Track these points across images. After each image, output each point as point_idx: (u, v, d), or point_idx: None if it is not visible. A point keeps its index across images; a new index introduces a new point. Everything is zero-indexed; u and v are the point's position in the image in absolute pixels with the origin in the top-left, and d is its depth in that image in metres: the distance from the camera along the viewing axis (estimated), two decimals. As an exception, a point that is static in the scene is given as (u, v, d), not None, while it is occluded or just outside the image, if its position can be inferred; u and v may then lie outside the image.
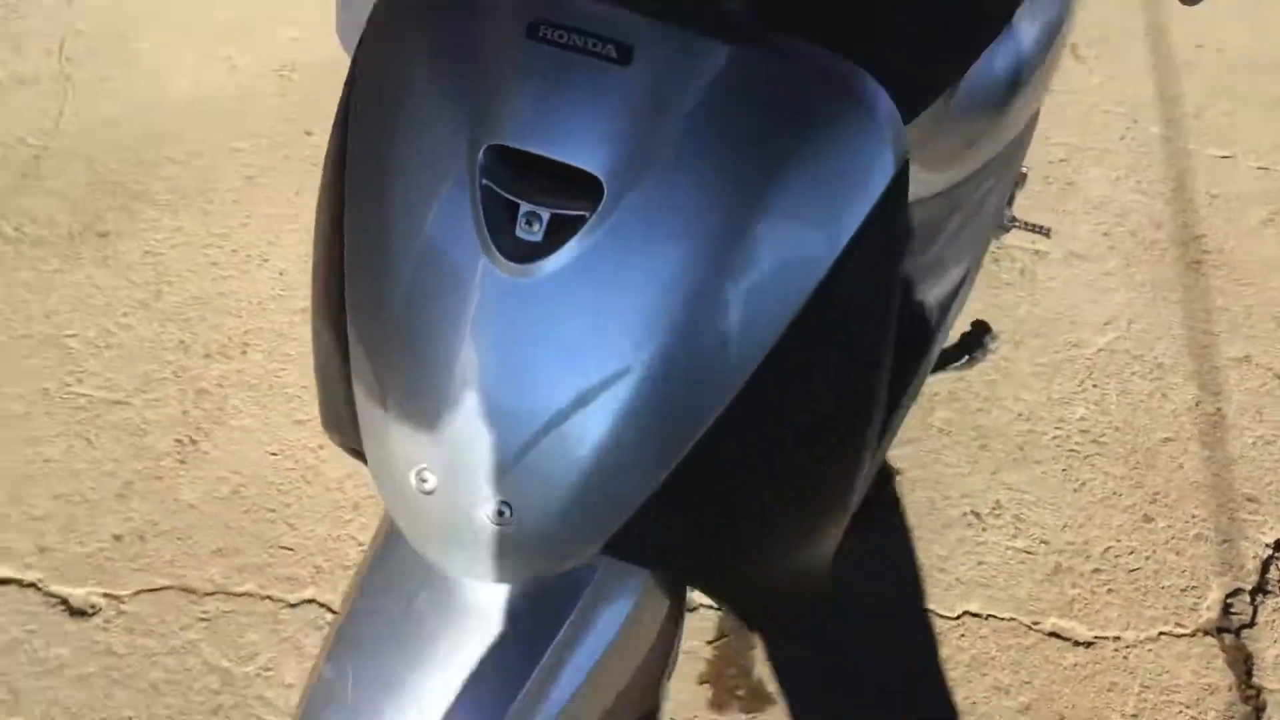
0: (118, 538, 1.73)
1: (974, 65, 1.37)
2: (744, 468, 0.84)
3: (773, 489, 0.87)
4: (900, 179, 0.81)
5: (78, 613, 1.64)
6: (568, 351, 0.78)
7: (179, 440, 1.87)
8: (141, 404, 1.92)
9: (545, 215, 0.76)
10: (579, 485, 0.80)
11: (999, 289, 2.13)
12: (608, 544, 0.85)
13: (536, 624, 0.91)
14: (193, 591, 1.68)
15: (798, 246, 0.79)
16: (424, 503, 0.85)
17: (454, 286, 0.79)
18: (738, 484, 0.85)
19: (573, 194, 0.76)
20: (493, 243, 0.76)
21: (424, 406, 0.83)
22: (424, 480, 0.84)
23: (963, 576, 1.71)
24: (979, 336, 1.88)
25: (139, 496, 1.79)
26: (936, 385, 1.95)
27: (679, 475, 0.81)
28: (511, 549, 0.85)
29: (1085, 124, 2.45)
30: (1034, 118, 1.61)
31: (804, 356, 0.81)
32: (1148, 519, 1.80)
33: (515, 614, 0.91)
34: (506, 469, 0.80)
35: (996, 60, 1.40)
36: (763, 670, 1.61)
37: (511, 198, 0.76)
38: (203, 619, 1.64)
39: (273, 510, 1.78)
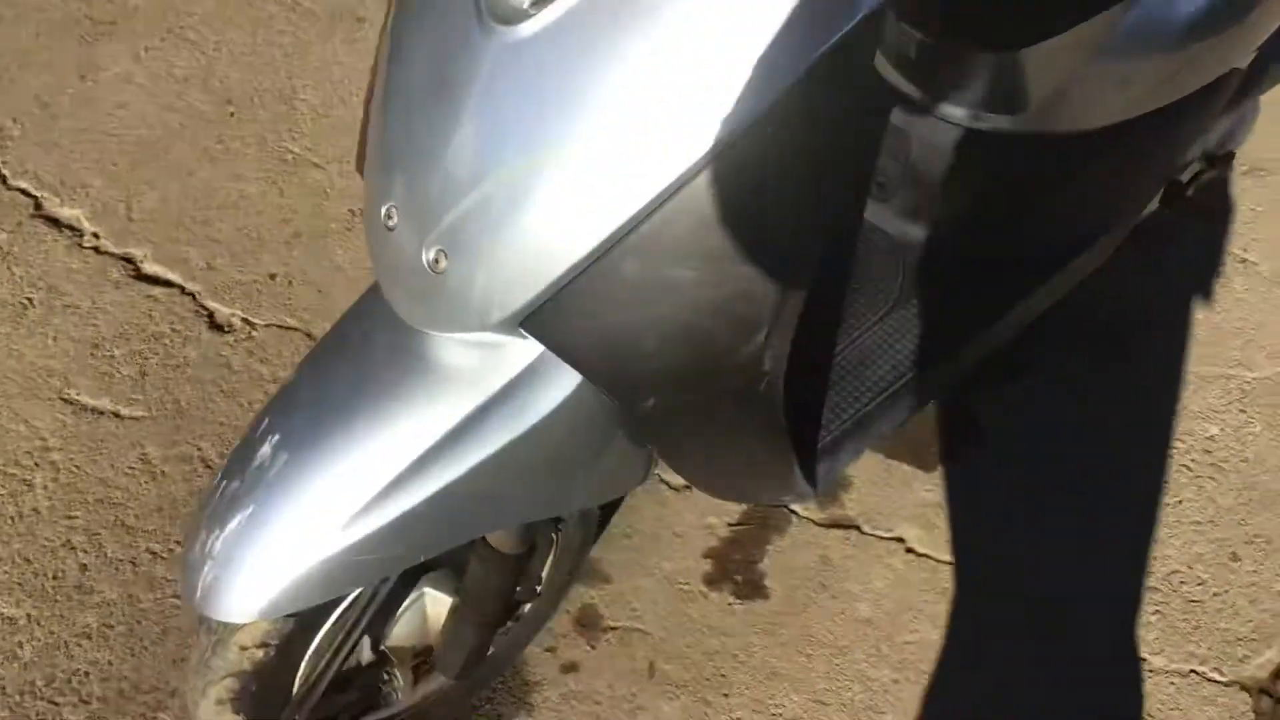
0: (272, 276, 1.96)
1: None
2: (660, 269, 0.87)
3: (683, 298, 0.90)
4: (861, 33, 0.81)
5: (216, 327, 1.88)
6: (524, 114, 0.84)
7: (351, 211, 2.07)
8: (335, 172, 2.13)
9: None
10: (508, 248, 0.86)
11: (1185, 287, 1.98)
12: (529, 319, 0.90)
13: (468, 386, 1.00)
14: (314, 337, 1.88)
15: (747, 63, 0.80)
16: (387, 239, 0.95)
17: (446, 43, 0.88)
18: (652, 285, 0.88)
19: None
20: (485, 5, 0.85)
21: (402, 148, 0.93)
22: (389, 217, 0.93)
23: (1006, 550, 1.66)
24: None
25: (302, 247, 2.01)
26: (1072, 365, 1.85)
27: (602, 262, 0.86)
28: (444, 298, 0.92)
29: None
30: (1231, 85, 1.45)
31: (736, 173, 0.83)
32: (1235, 558, 1.67)
33: (453, 370, 1.00)
34: (449, 217, 0.88)
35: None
36: (769, 566, 1.64)
37: None
38: (312, 363, 1.85)
39: (404, 292, 1.95)
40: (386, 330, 1.03)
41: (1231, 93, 1.51)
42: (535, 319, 0.91)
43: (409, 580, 1.23)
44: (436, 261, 0.90)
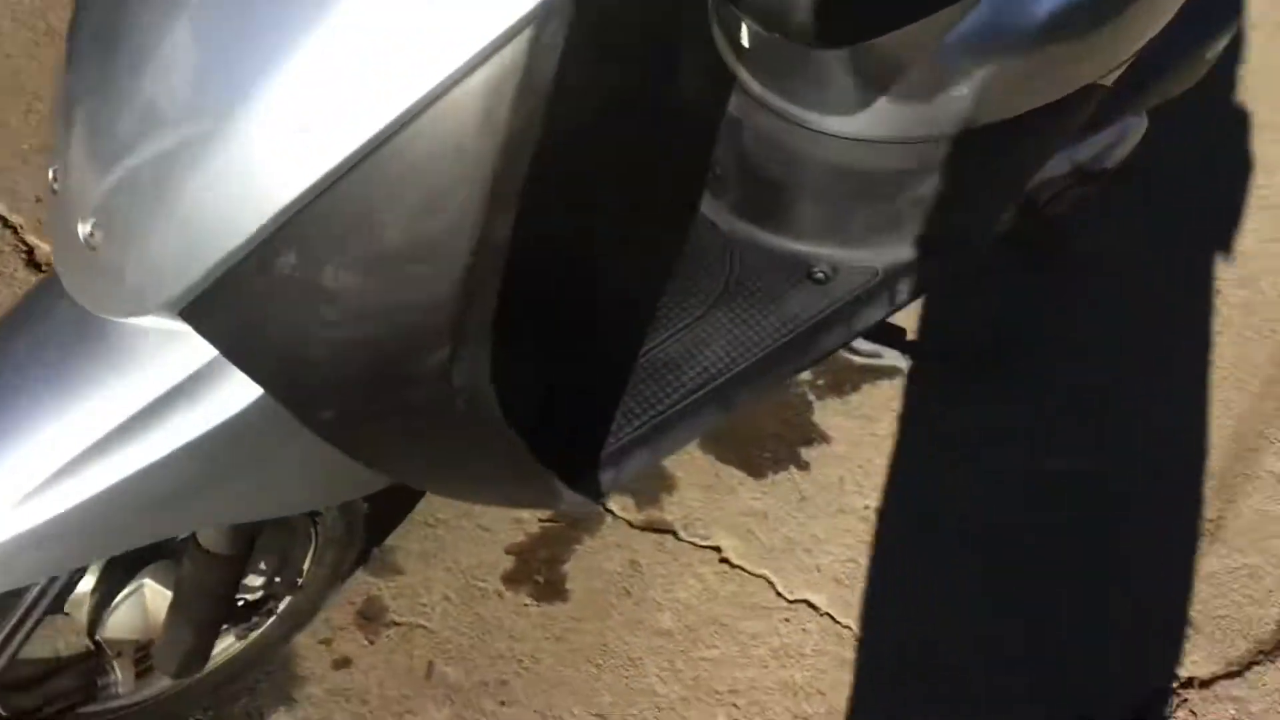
0: (103, 217, 1.85)
1: None
2: (320, 267, 0.78)
3: (347, 302, 0.81)
4: (547, 19, 0.71)
5: (34, 265, 1.79)
6: (181, 81, 0.76)
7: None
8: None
9: None
10: (160, 228, 0.78)
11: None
12: (189, 310, 0.82)
13: (147, 375, 0.90)
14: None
15: (411, 49, 0.71)
16: (53, 203, 0.87)
17: None
18: (313, 285, 0.79)
19: None
20: None
21: (72, 103, 0.84)
22: (55, 179, 0.86)
23: (820, 565, 1.59)
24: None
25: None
26: (938, 377, 1.77)
27: (258, 253, 0.77)
28: (99, 277, 0.84)
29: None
30: (1091, 101, 1.35)
31: (398, 166, 0.75)
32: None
33: (132, 356, 0.91)
34: (103, 187, 0.80)
35: None
36: (573, 568, 1.56)
37: None
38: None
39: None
40: (71, 307, 0.93)
41: (1092, 109, 1.42)
42: (194, 310, 0.82)
43: (129, 569, 1.15)
44: (92, 235, 0.82)
